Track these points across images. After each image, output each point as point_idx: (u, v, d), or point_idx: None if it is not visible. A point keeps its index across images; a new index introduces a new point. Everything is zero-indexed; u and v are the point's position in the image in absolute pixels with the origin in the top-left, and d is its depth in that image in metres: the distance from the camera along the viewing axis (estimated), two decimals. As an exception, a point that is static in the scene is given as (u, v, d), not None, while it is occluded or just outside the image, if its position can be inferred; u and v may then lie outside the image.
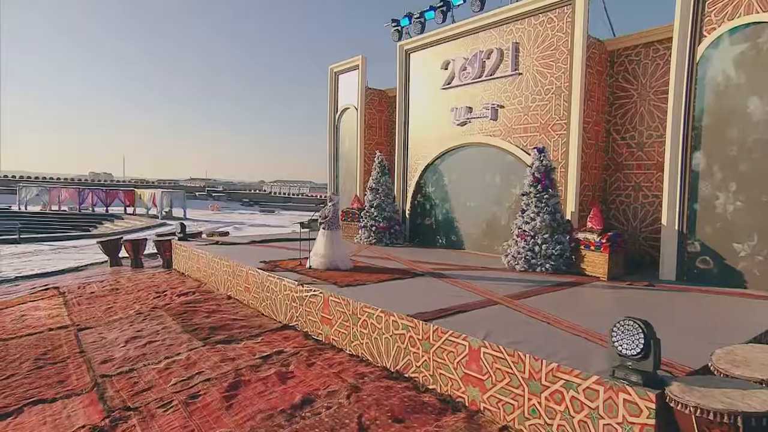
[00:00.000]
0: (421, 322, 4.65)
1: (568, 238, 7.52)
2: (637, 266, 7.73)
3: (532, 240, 7.62)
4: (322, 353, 5.53)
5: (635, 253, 8.08)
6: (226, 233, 13.18)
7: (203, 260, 9.39)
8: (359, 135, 13.11)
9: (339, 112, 13.99)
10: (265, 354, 5.45)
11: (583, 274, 7.24)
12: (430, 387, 4.51)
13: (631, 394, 3.09)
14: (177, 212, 37.42)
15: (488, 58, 9.58)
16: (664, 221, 7.01)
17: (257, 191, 79.89)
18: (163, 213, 35.54)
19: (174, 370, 5.12)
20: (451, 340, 4.35)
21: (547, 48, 8.48)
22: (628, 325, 3.07)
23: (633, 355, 3.05)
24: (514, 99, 9.10)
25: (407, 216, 11.62)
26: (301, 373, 4.96)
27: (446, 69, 10.55)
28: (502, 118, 9.35)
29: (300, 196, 74.10)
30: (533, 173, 7.77)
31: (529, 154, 8.72)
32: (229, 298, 8.12)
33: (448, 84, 10.48)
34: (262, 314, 7.13)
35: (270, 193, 77.89)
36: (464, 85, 10.10)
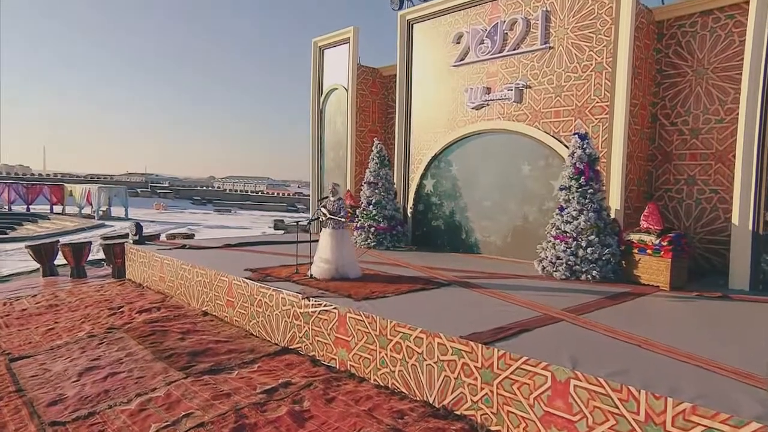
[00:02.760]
0: (480, 345, 4.08)
1: (617, 239, 7.10)
2: (690, 273, 7.36)
3: (575, 242, 7.16)
4: (341, 384, 4.90)
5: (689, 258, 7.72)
6: (192, 236, 12.34)
7: (169, 268, 8.60)
8: (350, 120, 12.51)
9: (325, 94, 13.37)
10: (269, 387, 4.78)
11: (637, 282, 6.83)
12: (493, 428, 3.95)
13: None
14: (117, 211, 35.97)
15: (511, 30, 9.14)
16: (735, 221, 6.66)
17: (208, 188, 78.03)
18: (100, 212, 34.06)
19: (152, 412, 4.37)
20: (524, 369, 3.80)
21: (586, 16, 8.07)
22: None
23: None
24: (544, 77, 8.67)
25: (409, 215, 11.07)
26: (321, 411, 4.32)
27: (458, 43, 10.09)
28: (528, 100, 8.92)
29: (259, 194, 72.71)
30: (574, 163, 7.32)
31: (561, 142, 8.35)
32: (206, 314, 7.40)
33: (461, 60, 10.01)
34: (252, 335, 6.47)
35: (225, 190, 76.22)
36: (481, 61, 9.65)
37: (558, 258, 7.29)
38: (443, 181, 10.51)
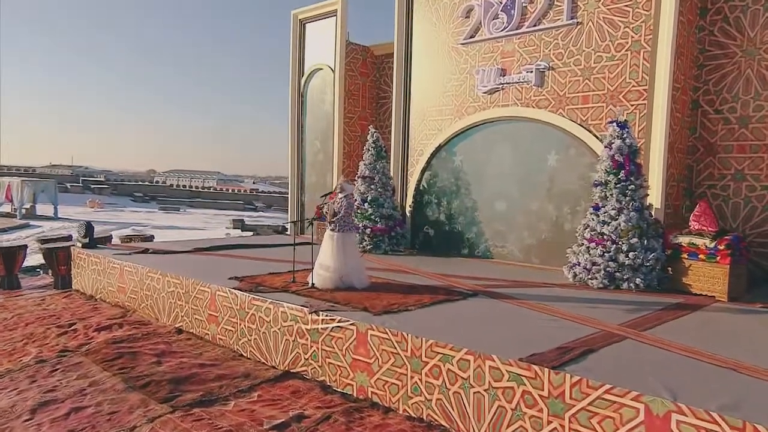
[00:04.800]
0: (547, 370, 3.76)
1: (661, 243, 6.92)
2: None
3: (614, 246, 6.95)
4: (365, 416, 4.55)
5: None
6: (151, 237, 11.73)
7: (131, 277, 8.06)
8: (337, 105, 12.15)
9: (306, 75, 12.97)
10: (279, 422, 4.36)
11: (686, 292, 6.67)
12: (564, 471, 3.64)
13: None
14: (43, 209, 34.60)
15: (531, 2, 8.95)
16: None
17: (150, 183, 76.33)
18: (23, 210, 32.77)
19: (136, 456, 3.90)
20: (607, 400, 3.50)
21: (621, -12, 7.90)
22: None
23: None
24: (570, 58, 8.47)
25: (408, 215, 10.76)
26: (348, 453, 3.92)
27: (467, 17, 9.85)
28: (550, 84, 8.72)
29: (209, 190, 71.32)
30: (613, 156, 7.12)
31: (591, 132, 8.18)
32: (180, 332, 6.92)
33: (471, 37, 9.77)
34: (242, 356, 6.07)
35: (171, 185, 74.51)
36: (494, 39, 9.42)
37: (594, 264, 7.07)
38: (448, 177, 10.23)
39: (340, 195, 6.67)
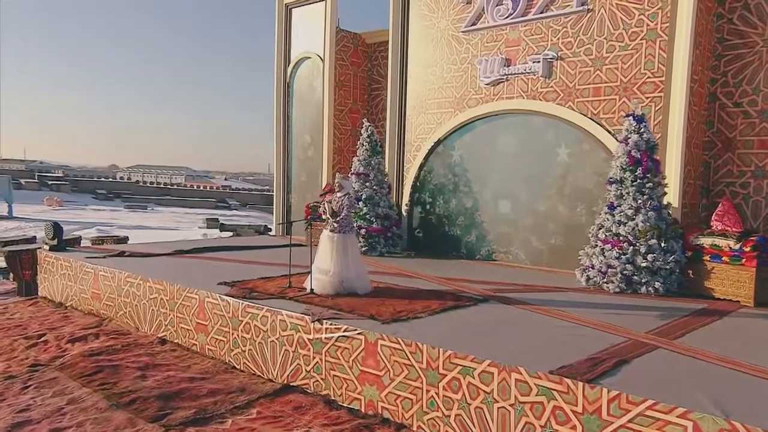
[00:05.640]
0: (582, 384, 3.66)
1: (681, 244, 6.88)
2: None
3: (631, 248, 6.89)
4: (376, 435, 4.38)
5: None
6: (125, 239, 11.46)
7: (107, 282, 7.85)
8: (327, 97, 12.03)
9: (293, 64, 12.80)
10: (283, 442, 4.19)
11: (709, 296, 6.65)
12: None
13: None
14: (-4, 208, 33.93)
15: (538, -12, 8.85)
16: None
17: (112, 179, 75.35)
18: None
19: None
20: (650, 417, 3.43)
21: (636, -27, 7.86)
22: None
23: None
24: (580, 47, 8.41)
25: (404, 214, 10.65)
26: (363, 476, 3.78)
27: (469, 3, 9.76)
28: (559, 75, 8.66)
29: (178, 187, 70.60)
30: (629, 151, 7.06)
31: (602, 126, 8.14)
32: (164, 342, 6.72)
33: (473, 25, 9.68)
34: (235, 368, 5.93)
35: (136, 182, 73.43)
36: (498, 26, 9.33)
37: (610, 267, 7.02)
38: (448, 173, 10.14)
39: (338, 193, 6.53)
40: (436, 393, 4.38)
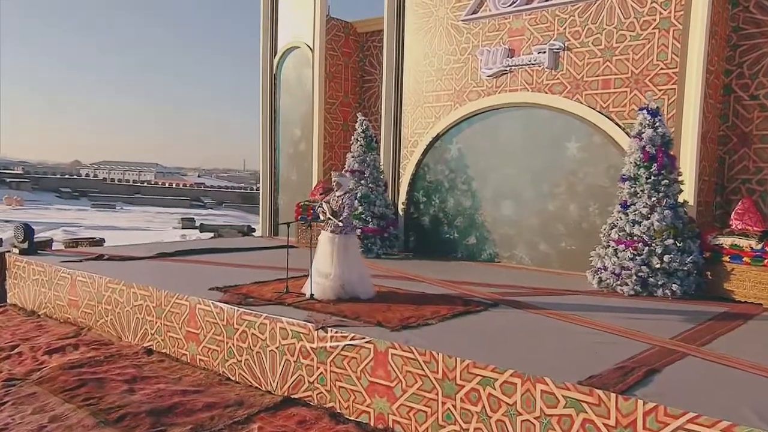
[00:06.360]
0: (615, 395, 3.60)
1: (698, 244, 6.87)
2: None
3: (646, 248, 6.86)
4: (389, 452, 4.28)
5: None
6: (101, 241, 11.23)
7: (85, 288, 7.68)
8: (317, 90, 11.92)
9: (280, 54, 12.64)
10: (290, 461, 4.08)
11: (729, 299, 6.66)
12: None
13: None
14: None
15: (544, -26, 8.83)
16: None
17: (76, 176, 74.36)
18: None
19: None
20: (688, 431, 3.33)
21: (648, -42, 7.85)
22: None
23: None
24: (588, 37, 8.40)
25: (401, 213, 10.58)
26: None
27: (470, -10, 9.68)
28: (566, 66, 8.64)
29: (147, 185, 69.57)
30: (644, 147, 7.04)
31: (612, 120, 8.14)
32: (151, 352, 6.57)
33: (474, 13, 9.64)
34: (230, 379, 5.83)
35: (103, 180, 72.39)
36: (501, 14, 9.30)
37: (624, 268, 6.99)
38: (447, 171, 10.11)
39: (338, 192, 6.42)
40: (453, 405, 4.30)
